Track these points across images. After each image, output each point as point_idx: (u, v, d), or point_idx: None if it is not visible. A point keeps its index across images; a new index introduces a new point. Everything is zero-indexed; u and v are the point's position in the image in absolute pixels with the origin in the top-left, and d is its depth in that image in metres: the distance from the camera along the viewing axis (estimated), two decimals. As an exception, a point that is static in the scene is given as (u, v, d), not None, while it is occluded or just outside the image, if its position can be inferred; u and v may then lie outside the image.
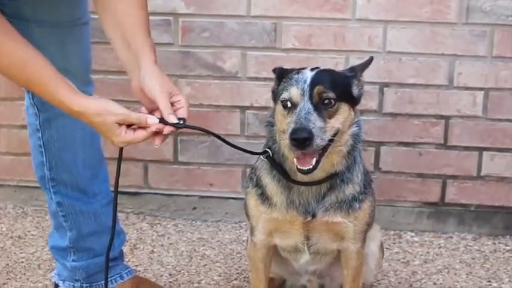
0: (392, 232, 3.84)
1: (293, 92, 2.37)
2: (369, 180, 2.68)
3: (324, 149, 2.36)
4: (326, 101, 2.35)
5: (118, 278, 3.08)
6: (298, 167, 2.35)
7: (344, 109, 2.40)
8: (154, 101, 2.34)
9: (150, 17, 3.71)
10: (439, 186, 3.82)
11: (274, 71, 2.59)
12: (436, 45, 3.62)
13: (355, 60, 3.63)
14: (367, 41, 3.64)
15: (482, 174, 3.77)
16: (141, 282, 3.13)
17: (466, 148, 3.75)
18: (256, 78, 3.72)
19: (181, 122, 2.34)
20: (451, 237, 3.81)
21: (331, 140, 2.36)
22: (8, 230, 3.84)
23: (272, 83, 2.58)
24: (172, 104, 2.36)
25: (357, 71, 2.52)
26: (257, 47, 3.72)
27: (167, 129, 2.33)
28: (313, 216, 2.55)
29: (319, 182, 2.50)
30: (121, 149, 2.44)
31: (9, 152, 4.06)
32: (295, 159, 2.36)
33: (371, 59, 2.56)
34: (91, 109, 2.29)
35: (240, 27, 3.71)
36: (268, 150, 2.53)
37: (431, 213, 3.86)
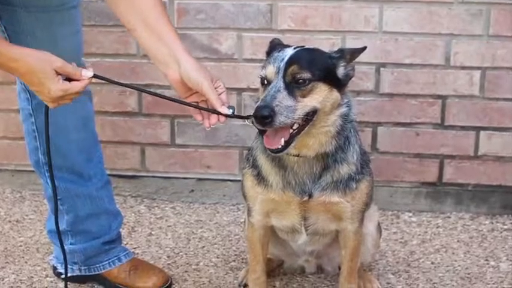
0: (390, 212, 3.85)
1: (269, 69, 2.39)
2: (366, 160, 2.67)
3: (299, 129, 2.36)
4: (300, 81, 2.35)
5: (116, 261, 3.08)
6: (266, 145, 2.37)
7: (321, 89, 2.38)
8: (203, 94, 2.41)
9: (145, -1, 3.71)
10: (436, 166, 3.82)
11: (271, 42, 2.61)
12: (433, 25, 3.61)
13: (352, 41, 3.63)
14: (363, 21, 3.63)
15: (479, 153, 3.78)
16: (139, 264, 3.14)
17: (463, 128, 3.75)
18: (252, 60, 3.71)
19: (232, 112, 2.42)
20: (449, 217, 3.82)
21: (307, 120, 2.36)
22: (6, 214, 3.84)
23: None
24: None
25: (345, 52, 2.49)
26: (253, 28, 3.71)
27: (222, 119, 2.43)
28: (310, 196, 2.55)
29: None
30: (47, 109, 2.45)
31: (6, 136, 4.06)
32: (264, 138, 2.37)
33: (364, 48, 2.52)
34: (31, 55, 2.28)
35: (236, 8, 3.70)
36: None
37: (429, 193, 3.87)
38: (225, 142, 3.89)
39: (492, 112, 3.70)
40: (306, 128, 2.38)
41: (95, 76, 2.37)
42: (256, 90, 3.74)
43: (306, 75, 2.35)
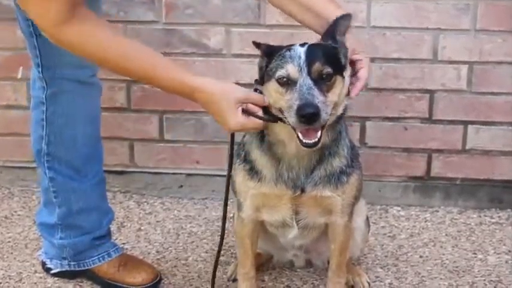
0: (378, 207, 3.86)
1: (290, 69, 2.35)
2: (355, 153, 2.69)
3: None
4: (324, 76, 2.35)
5: (106, 256, 3.09)
6: (304, 141, 2.34)
7: (339, 81, 2.40)
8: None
9: (134, -5, 3.70)
10: (424, 160, 3.84)
11: (257, 46, 2.55)
12: (420, 20, 3.62)
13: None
14: (351, 16, 3.63)
15: (467, 147, 3.79)
16: (128, 260, 3.14)
17: (451, 122, 3.76)
18: (241, 55, 3.71)
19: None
20: (437, 211, 3.84)
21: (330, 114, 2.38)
22: (-5, 210, 3.84)
23: (257, 60, 2.55)
24: (352, 62, 2.48)
25: (339, 40, 2.47)
26: (241, 23, 3.71)
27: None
28: (302, 190, 2.56)
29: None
30: (232, 135, 2.53)
31: (-5, 132, 4.05)
32: (299, 134, 2.35)
33: (348, 15, 2.51)
34: (216, 86, 2.35)
35: (224, 3, 3.70)
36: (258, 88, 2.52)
37: (417, 188, 3.88)
38: (214, 137, 3.89)
39: (480, 106, 3.72)
40: (328, 121, 2.38)
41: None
42: (245, 85, 3.76)
43: (329, 69, 2.35)
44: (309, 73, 2.34)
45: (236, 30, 3.72)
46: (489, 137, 3.76)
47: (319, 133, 2.34)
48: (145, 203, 3.94)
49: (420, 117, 3.76)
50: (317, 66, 2.34)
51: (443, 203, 3.88)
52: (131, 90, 3.86)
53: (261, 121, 2.39)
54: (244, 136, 2.68)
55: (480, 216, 3.78)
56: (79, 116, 2.90)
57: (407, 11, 3.61)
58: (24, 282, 3.13)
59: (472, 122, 3.75)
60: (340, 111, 2.46)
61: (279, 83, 2.38)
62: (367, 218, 3.09)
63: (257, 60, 2.52)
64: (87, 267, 3.09)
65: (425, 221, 3.73)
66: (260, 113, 2.39)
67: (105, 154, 3.93)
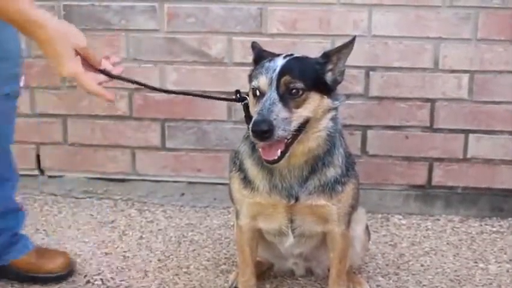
0: (379, 215, 3.87)
1: (261, 80, 2.39)
2: (351, 162, 2.69)
3: (293, 138, 2.38)
4: (293, 91, 2.36)
5: (24, 248, 3.16)
6: (263, 157, 2.37)
7: (314, 98, 2.40)
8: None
9: (136, 4, 3.74)
10: (425, 169, 3.84)
11: (252, 48, 2.62)
12: (421, 29, 3.63)
13: (341, 45, 3.64)
14: (352, 25, 3.65)
15: (468, 156, 3.80)
16: (46, 251, 3.24)
17: (452, 131, 3.77)
18: (242, 64, 3.72)
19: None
20: (438, 220, 3.84)
21: (299, 130, 2.38)
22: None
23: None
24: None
25: (330, 55, 2.49)
26: (243, 32, 3.72)
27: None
28: (297, 199, 2.56)
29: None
30: None
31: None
32: (260, 150, 2.38)
33: (351, 41, 2.51)
34: (59, 25, 2.24)
35: (226, 12, 3.71)
36: (246, 96, 2.55)
37: (418, 196, 3.89)
38: (216, 146, 3.90)
39: (480, 115, 3.73)
40: (299, 137, 2.40)
41: (110, 75, 2.36)
42: (246, 94, 3.77)
43: (299, 85, 2.36)
44: (278, 87, 2.35)
45: (238, 39, 3.73)
46: (490, 146, 3.76)
47: (279, 151, 2.35)
48: (147, 211, 3.94)
49: (421, 126, 3.77)
50: (286, 80, 2.36)
51: (445, 211, 3.88)
52: (133, 98, 3.87)
53: (95, 85, 2.29)
54: (238, 145, 2.70)
55: (481, 225, 3.78)
56: None
57: (409, 20, 3.62)
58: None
59: (473, 131, 3.75)
60: (323, 124, 2.47)
61: (252, 93, 2.43)
62: (367, 227, 3.10)
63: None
64: (7, 263, 3.14)
65: (427, 230, 3.73)
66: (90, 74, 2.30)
67: (106, 162, 3.98)
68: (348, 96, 3.71)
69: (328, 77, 2.48)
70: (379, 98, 3.75)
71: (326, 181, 2.56)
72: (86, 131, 3.97)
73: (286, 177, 2.55)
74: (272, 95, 2.35)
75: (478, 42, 3.62)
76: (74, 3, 3.77)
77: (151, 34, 3.77)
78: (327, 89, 2.46)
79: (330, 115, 2.49)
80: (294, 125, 2.35)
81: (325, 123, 2.48)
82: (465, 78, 3.68)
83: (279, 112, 2.31)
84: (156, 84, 3.79)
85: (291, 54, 2.48)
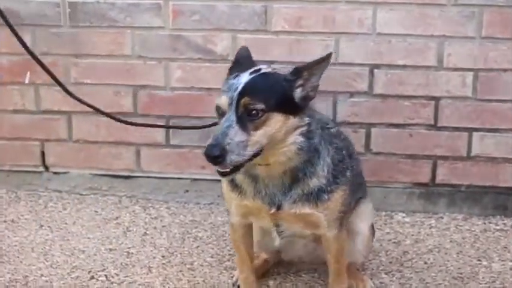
0: (383, 213, 3.87)
1: (223, 100, 2.34)
2: (344, 168, 2.62)
3: (249, 159, 2.32)
4: (253, 112, 2.29)
5: None
6: (216, 169, 2.33)
7: (276, 119, 2.33)
8: None
9: (141, 1, 3.74)
10: (429, 167, 3.84)
11: (238, 51, 2.63)
12: (425, 27, 3.63)
13: (345, 42, 3.65)
14: (356, 23, 3.65)
15: (472, 154, 3.80)
16: None
17: (456, 129, 3.77)
18: (247, 61, 3.72)
19: None
20: (442, 218, 3.84)
21: (257, 153, 2.32)
22: (1, 214, 3.85)
23: (263, 65, 2.54)
24: None
25: (302, 71, 2.41)
26: (248, 29, 3.72)
27: None
28: (279, 207, 2.55)
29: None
30: None
31: (1, 136, 4.06)
32: None
33: (327, 56, 2.41)
34: None
35: (231, 9, 3.71)
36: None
37: (422, 194, 3.89)
38: (220, 143, 3.90)
39: (485, 113, 3.73)
40: (254, 159, 2.34)
41: None
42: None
43: (259, 106, 2.29)
44: (237, 108, 2.30)
45: (242, 36, 3.73)
46: (494, 144, 3.76)
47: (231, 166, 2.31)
48: (151, 208, 3.95)
49: (425, 124, 3.77)
50: (245, 101, 2.29)
51: (448, 209, 3.88)
52: (138, 95, 3.88)
53: None
54: None
55: (485, 223, 3.78)
56: None
57: (413, 18, 3.62)
58: (30, 286, 3.15)
59: (477, 129, 3.75)
60: (289, 142, 2.40)
61: (216, 111, 2.39)
62: (372, 225, 3.10)
63: (263, 66, 2.53)
64: None
65: (430, 228, 3.73)
66: None
67: (111, 159, 3.99)
68: (352, 94, 3.73)
69: (297, 93, 2.40)
70: (383, 96, 3.75)
71: (309, 190, 2.53)
72: (90, 128, 3.98)
73: (268, 185, 2.53)
74: (231, 116, 2.29)
75: (482, 40, 3.62)
76: (79, 1, 3.78)
77: (156, 31, 3.78)
78: (294, 107, 2.39)
79: (297, 132, 2.41)
80: (249, 150, 2.29)
81: (293, 139, 2.40)
82: (469, 76, 3.68)
83: (235, 135, 2.26)
84: (161, 82, 3.81)
85: (259, 69, 2.41)
